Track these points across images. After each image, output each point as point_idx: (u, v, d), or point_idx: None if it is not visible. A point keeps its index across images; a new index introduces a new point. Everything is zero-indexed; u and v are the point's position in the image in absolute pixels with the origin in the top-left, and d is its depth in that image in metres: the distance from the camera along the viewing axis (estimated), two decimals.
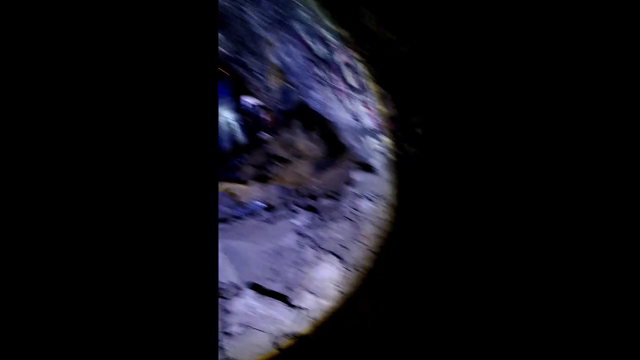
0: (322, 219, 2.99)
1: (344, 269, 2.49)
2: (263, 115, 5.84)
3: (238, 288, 2.50)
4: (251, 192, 3.88)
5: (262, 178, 4.35)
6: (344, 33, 1.95)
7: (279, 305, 2.14)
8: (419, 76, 1.81)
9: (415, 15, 1.59)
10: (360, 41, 1.91)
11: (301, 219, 2.87)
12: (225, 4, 2.65)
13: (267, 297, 2.18)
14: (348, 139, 2.96)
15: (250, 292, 2.21)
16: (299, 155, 4.99)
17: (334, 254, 2.60)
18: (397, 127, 2.16)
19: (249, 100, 5.71)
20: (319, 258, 2.53)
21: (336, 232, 2.79)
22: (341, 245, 2.68)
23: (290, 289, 2.37)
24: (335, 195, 3.61)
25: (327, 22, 1.99)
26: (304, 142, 5.19)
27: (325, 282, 2.35)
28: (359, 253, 2.65)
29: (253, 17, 2.63)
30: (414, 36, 1.65)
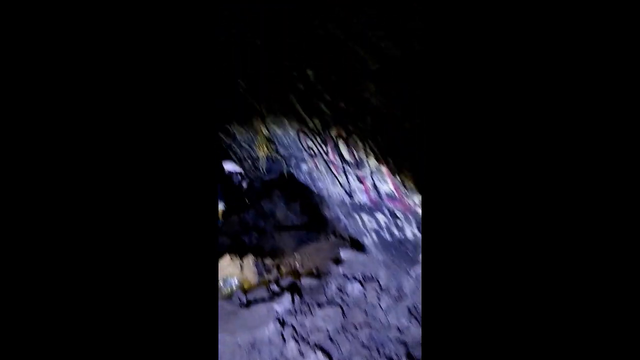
0: (306, 303, 2.64)
1: None
2: (243, 183, 5.66)
3: None
4: (225, 267, 3.50)
5: (239, 250, 4.00)
6: (343, 105, 1.88)
7: None
8: (422, 153, 1.72)
9: (421, 89, 1.53)
10: (360, 114, 1.84)
11: (283, 303, 2.52)
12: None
13: None
14: (339, 214, 2.78)
15: None
16: (279, 227, 4.73)
17: (320, 347, 2.23)
18: (398, 205, 2.01)
19: (229, 168, 5.56)
20: (303, 354, 2.15)
21: (322, 320, 2.44)
22: (328, 337, 2.32)
23: None
24: (319, 274, 3.31)
25: (326, 95, 1.94)
26: (284, 213, 4.98)
27: None
28: (349, 347, 2.29)
29: (244, 86, 2.59)
30: (418, 112, 1.58)
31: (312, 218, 4.64)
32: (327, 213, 4.21)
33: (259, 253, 4.00)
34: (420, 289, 2.28)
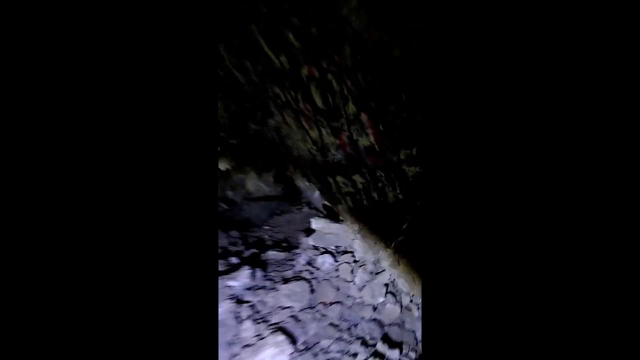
0: (269, 278, 2.31)
1: (296, 352, 1.81)
2: None
3: None
4: None
5: None
6: (315, 32, 1.48)
7: None
8: (413, 95, 1.36)
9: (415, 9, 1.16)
10: (338, 45, 1.45)
11: (240, 278, 2.18)
12: None
13: None
14: (310, 178, 2.42)
15: None
16: (248, 198, 4.35)
17: (282, 330, 1.91)
18: (379, 163, 1.67)
19: None
20: (262, 337, 1.83)
21: (287, 297, 2.12)
22: (293, 317, 2.01)
23: None
24: (288, 246, 2.98)
25: (294, 19, 1.52)
26: (255, 184, 4.58)
27: None
28: (316, 327, 2.00)
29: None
30: (412, 35, 1.21)
31: (286, 188, 4.31)
32: (300, 183, 3.86)
33: (225, 225, 3.66)
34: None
